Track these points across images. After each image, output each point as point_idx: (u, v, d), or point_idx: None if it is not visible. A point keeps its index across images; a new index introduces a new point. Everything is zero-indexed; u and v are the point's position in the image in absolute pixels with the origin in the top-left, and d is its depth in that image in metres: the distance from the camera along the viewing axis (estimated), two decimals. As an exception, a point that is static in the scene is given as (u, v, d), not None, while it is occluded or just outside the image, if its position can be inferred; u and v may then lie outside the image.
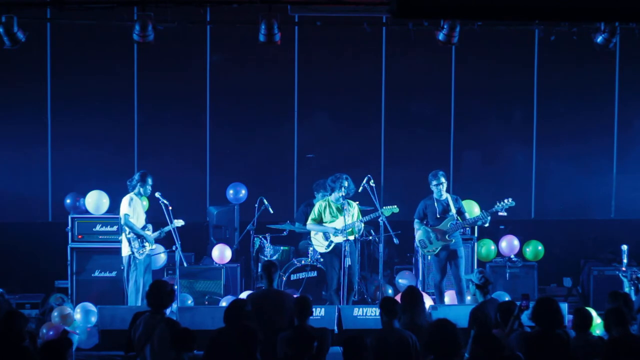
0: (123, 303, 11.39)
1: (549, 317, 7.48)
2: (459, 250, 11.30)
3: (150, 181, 11.21)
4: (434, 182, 11.25)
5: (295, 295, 9.57)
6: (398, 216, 11.36)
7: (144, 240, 11.14)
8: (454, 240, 11.26)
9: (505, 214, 11.21)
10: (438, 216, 11.28)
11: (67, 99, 13.10)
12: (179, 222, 11.20)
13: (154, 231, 11.27)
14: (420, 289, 11.05)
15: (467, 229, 11.76)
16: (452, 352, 6.71)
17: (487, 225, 11.31)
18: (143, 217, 11.31)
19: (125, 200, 11.19)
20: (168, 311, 8.25)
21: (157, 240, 11.43)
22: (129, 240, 11.08)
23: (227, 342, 7.78)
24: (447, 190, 11.36)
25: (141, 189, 11.21)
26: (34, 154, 13.19)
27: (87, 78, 12.98)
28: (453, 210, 11.22)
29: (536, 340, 7.44)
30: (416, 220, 11.49)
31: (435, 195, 11.30)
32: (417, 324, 8.15)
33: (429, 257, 11.52)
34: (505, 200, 11.11)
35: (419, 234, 11.43)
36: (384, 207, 11.18)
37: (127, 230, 11.08)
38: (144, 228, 11.22)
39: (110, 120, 13.15)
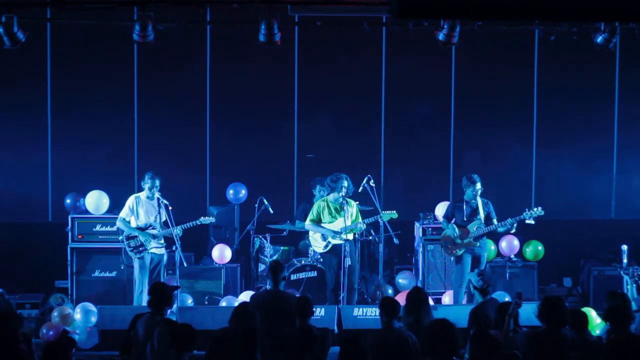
0: (123, 303, 11.40)
1: (555, 316, 7.49)
2: (483, 256, 11.31)
3: (157, 183, 11.18)
4: (471, 188, 11.19)
5: (296, 295, 9.57)
6: (398, 216, 11.34)
7: (139, 240, 11.15)
8: (479, 244, 11.25)
9: (533, 222, 11.14)
10: (465, 219, 11.27)
11: (67, 99, 13.10)
12: (209, 219, 11.45)
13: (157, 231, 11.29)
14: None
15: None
16: (450, 352, 6.71)
17: (513, 231, 11.28)
18: (152, 216, 11.28)
19: (127, 203, 11.23)
20: (168, 311, 8.26)
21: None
22: (122, 241, 11.13)
23: (228, 342, 7.78)
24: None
25: (148, 191, 11.19)
26: (34, 153, 13.19)
27: (87, 78, 12.98)
28: (481, 214, 11.21)
29: (542, 339, 7.45)
30: (444, 220, 11.51)
31: (465, 197, 11.29)
32: (422, 325, 8.13)
33: (452, 258, 11.48)
34: (535, 209, 11.07)
35: (444, 234, 11.43)
36: (384, 212, 11.16)
37: (125, 231, 11.14)
38: (147, 227, 11.22)
39: (110, 120, 13.14)
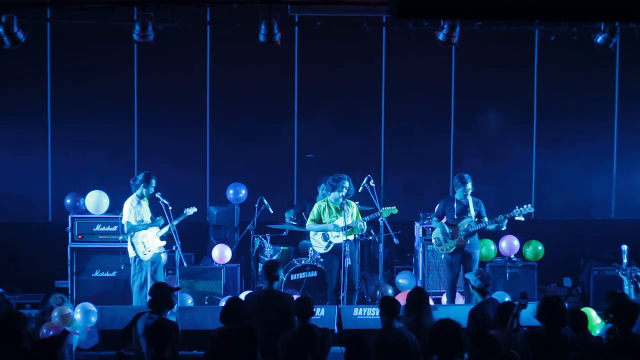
0: (123, 303, 11.40)
1: (555, 316, 7.49)
2: (474, 253, 11.30)
3: (153, 182, 11.17)
4: (462, 188, 11.19)
5: (295, 296, 9.57)
6: (398, 216, 11.36)
7: (148, 242, 11.15)
8: (469, 242, 11.26)
9: (522, 219, 11.17)
10: (455, 217, 11.29)
11: (67, 99, 13.10)
12: (192, 210, 11.34)
13: (161, 227, 11.26)
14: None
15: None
16: (456, 351, 6.71)
17: (503, 229, 11.27)
18: (148, 217, 11.28)
19: (126, 206, 11.16)
20: (168, 312, 8.26)
21: (162, 238, 11.41)
22: (132, 244, 11.09)
23: (228, 342, 7.78)
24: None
25: (144, 190, 11.19)
26: (34, 153, 13.19)
27: (87, 78, 12.99)
28: (472, 213, 11.22)
29: (542, 339, 7.45)
30: (434, 218, 11.53)
31: (456, 196, 11.31)
32: (423, 325, 8.13)
33: (442, 255, 11.50)
34: (525, 206, 11.09)
35: (435, 232, 11.46)
36: (383, 208, 11.17)
37: (133, 233, 11.10)
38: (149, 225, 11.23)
39: (111, 120, 13.15)
